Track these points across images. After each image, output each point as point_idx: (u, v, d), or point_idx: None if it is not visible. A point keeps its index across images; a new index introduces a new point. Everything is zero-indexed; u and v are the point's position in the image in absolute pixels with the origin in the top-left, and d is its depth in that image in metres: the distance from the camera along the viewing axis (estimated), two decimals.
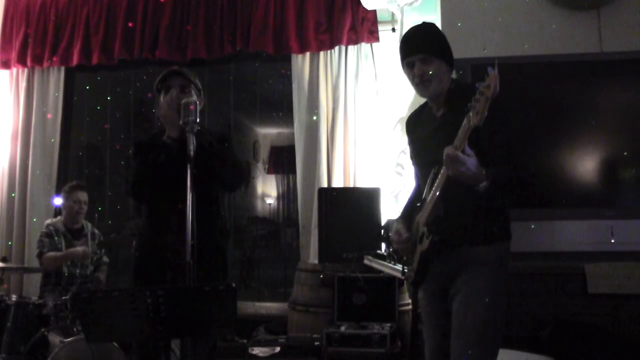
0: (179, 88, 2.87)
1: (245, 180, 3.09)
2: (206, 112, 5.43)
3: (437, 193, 2.31)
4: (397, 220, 2.70)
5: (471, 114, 2.09)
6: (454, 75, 2.59)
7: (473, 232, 2.37)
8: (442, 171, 2.27)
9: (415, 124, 2.69)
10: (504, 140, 2.34)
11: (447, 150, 2.16)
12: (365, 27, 5.03)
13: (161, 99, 2.92)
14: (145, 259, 2.97)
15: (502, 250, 2.42)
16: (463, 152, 2.16)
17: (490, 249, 2.37)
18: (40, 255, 4.51)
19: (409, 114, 2.78)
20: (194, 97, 2.75)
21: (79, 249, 4.48)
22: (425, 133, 2.57)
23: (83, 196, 4.68)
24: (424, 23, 2.61)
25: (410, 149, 2.74)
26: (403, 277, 2.67)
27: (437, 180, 2.31)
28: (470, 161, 2.16)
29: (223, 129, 3.98)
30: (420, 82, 2.48)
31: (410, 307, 4.12)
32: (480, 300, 2.32)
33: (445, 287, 2.45)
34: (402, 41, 2.56)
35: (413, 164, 2.73)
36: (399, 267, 3.67)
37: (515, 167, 2.32)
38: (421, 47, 2.49)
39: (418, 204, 2.50)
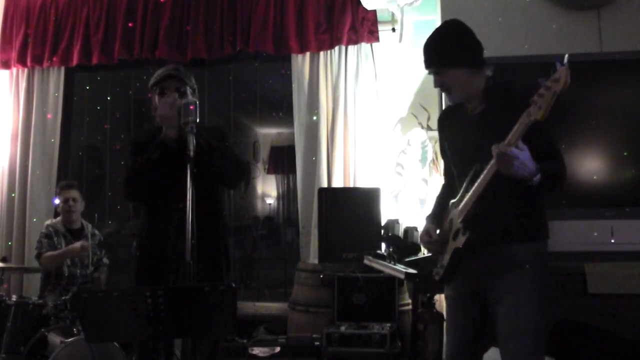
0: (175, 90, 2.88)
1: (246, 176, 3.10)
2: (206, 112, 5.45)
3: (479, 191, 2.27)
4: (427, 218, 2.65)
5: (532, 108, 2.05)
6: (489, 72, 2.51)
7: (510, 230, 2.33)
8: (487, 168, 2.23)
9: (450, 120, 2.63)
10: (550, 138, 2.32)
11: (500, 147, 2.11)
12: (365, 27, 5.03)
13: (156, 99, 2.93)
14: (147, 259, 2.97)
15: (540, 249, 2.38)
16: (516, 146, 2.12)
17: (527, 248, 2.33)
18: (38, 256, 4.51)
19: (442, 110, 2.74)
20: (191, 98, 2.76)
21: (77, 244, 4.46)
22: (462, 130, 2.51)
23: (72, 193, 4.66)
24: (439, 29, 2.57)
25: (442, 145, 2.68)
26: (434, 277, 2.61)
27: (480, 178, 2.27)
28: (524, 155, 2.12)
29: (219, 125, 4.00)
30: (443, 91, 2.49)
31: (410, 307, 4.12)
32: (526, 304, 2.28)
33: (477, 288, 2.40)
34: (423, 49, 2.55)
35: (445, 159, 2.68)
36: (399, 267, 3.67)
37: (561, 164, 2.31)
38: (431, 61, 2.48)
39: (452, 201, 2.45)
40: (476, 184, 2.29)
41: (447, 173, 2.68)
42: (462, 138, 2.51)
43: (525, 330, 2.27)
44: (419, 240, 2.68)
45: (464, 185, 2.39)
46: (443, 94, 4.24)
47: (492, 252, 2.34)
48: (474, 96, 2.45)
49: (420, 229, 4.44)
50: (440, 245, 2.50)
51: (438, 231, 2.54)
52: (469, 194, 2.33)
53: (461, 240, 2.35)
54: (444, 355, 3.96)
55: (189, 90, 2.89)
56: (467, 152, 2.44)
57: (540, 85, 2.03)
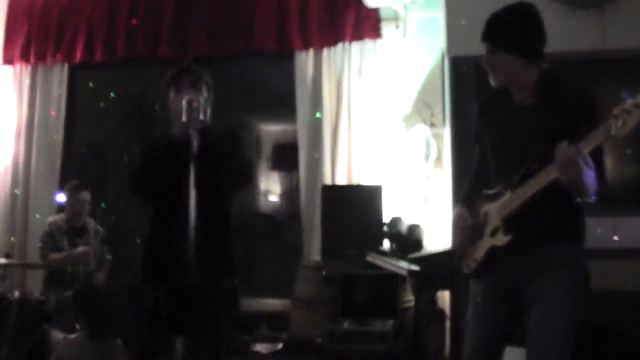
0: (190, 85, 2.88)
1: (246, 185, 3.09)
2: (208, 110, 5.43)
3: (528, 194, 2.17)
4: (460, 203, 2.57)
5: (614, 123, 1.87)
6: (545, 65, 2.36)
7: (552, 231, 2.25)
8: (541, 174, 2.13)
9: (494, 106, 2.49)
10: (602, 151, 2.19)
11: (569, 151, 1.98)
12: (368, 24, 5.02)
13: (171, 96, 2.92)
14: (150, 258, 2.97)
15: (579, 251, 2.33)
16: (584, 159, 1.99)
17: (567, 250, 2.28)
18: (43, 257, 4.52)
19: (484, 96, 2.57)
20: (205, 94, 2.76)
21: (80, 249, 4.50)
22: (507, 120, 2.38)
23: (86, 196, 4.68)
24: (510, 7, 2.36)
25: (478, 130, 2.54)
26: (462, 269, 2.51)
27: (531, 181, 2.18)
28: (589, 173, 1.99)
29: (234, 128, 3.96)
30: (488, 70, 2.37)
31: (412, 304, 4.12)
32: (561, 306, 2.22)
33: (511, 288, 2.34)
34: (486, 20, 2.40)
35: (480, 145, 2.55)
36: (401, 264, 3.67)
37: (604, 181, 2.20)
38: (488, 35, 2.35)
39: (486, 192, 2.38)
40: (525, 186, 2.20)
41: (481, 159, 2.56)
42: (506, 129, 2.38)
43: (557, 331, 2.22)
44: (451, 223, 2.54)
45: (506, 180, 2.29)
46: (446, 92, 4.26)
47: (532, 251, 2.27)
48: (523, 87, 2.34)
49: (424, 225, 4.49)
50: (472, 233, 2.43)
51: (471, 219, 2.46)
52: (514, 194, 2.24)
53: (503, 239, 2.28)
54: (446, 351, 3.97)
55: (204, 87, 2.89)
56: (512, 146, 2.33)
57: (624, 99, 1.86)
